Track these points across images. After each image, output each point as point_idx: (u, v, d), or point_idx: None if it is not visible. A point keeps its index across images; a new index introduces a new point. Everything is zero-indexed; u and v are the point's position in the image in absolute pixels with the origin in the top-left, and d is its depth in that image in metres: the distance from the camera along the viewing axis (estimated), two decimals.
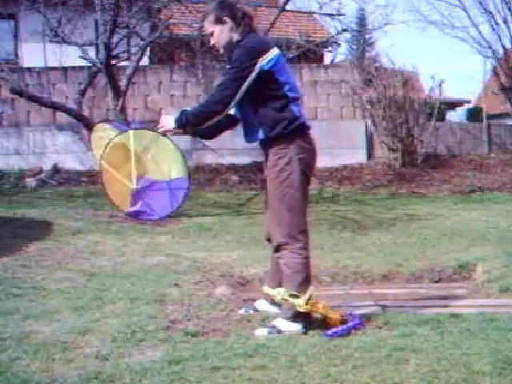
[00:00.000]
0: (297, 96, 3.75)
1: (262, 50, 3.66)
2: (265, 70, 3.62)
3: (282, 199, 3.67)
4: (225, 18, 3.74)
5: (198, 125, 3.79)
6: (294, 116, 3.71)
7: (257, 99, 3.67)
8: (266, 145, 3.74)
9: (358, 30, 21.97)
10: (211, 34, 3.80)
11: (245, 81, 3.60)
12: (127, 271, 5.29)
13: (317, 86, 15.17)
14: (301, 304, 3.58)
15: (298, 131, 3.72)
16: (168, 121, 3.79)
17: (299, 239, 3.68)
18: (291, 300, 3.61)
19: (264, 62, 3.62)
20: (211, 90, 13.92)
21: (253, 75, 3.60)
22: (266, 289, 3.95)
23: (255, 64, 3.60)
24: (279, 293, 3.71)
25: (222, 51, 3.84)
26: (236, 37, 3.75)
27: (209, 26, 3.81)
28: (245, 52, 3.65)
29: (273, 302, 3.94)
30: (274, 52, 3.68)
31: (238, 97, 3.62)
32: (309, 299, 3.61)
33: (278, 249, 3.72)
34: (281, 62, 3.70)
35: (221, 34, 3.76)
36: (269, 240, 3.94)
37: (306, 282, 3.68)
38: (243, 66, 3.61)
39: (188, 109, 3.82)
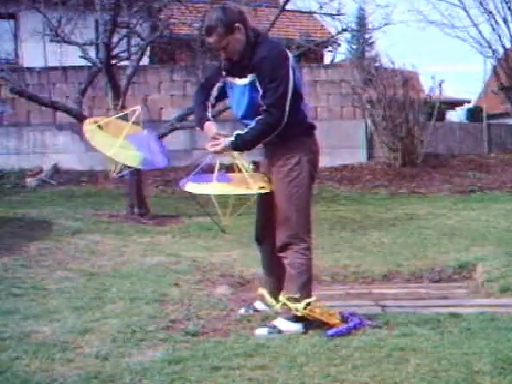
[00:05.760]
0: (303, 94, 3.73)
1: (287, 53, 3.62)
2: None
3: (290, 199, 3.65)
4: (236, 24, 3.54)
5: (254, 146, 3.68)
6: (304, 117, 3.71)
7: None
8: (274, 145, 3.71)
9: (357, 29, 21.97)
10: (224, 47, 3.58)
11: (288, 89, 3.52)
12: (127, 271, 5.29)
13: (317, 85, 15.17)
14: (299, 309, 3.58)
15: (306, 132, 3.72)
16: (223, 142, 3.66)
17: (305, 239, 3.68)
18: (290, 304, 3.61)
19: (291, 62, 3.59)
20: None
21: (291, 79, 3.53)
22: (261, 290, 3.95)
23: (289, 67, 3.54)
24: (276, 304, 3.70)
25: (236, 58, 3.62)
26: (244, 39, 3.57)
27: (220, 39, 3.55)
28: (280, 62, 3.53)
29: (266, 304, 3.91)
30: (288, 52, 3.65)
31: (287, 108, 3.52)
32: (308, 304, 3.60)
33: (282, 249, 3.70)
34: (293, 61, 3.69)
35: (237, 42, 3.56)
36: (259, 240, 3.93)
37: (308, 283, 3.69)
38: (282, 74, 3.50)
39: (241, 132, 3.63)
